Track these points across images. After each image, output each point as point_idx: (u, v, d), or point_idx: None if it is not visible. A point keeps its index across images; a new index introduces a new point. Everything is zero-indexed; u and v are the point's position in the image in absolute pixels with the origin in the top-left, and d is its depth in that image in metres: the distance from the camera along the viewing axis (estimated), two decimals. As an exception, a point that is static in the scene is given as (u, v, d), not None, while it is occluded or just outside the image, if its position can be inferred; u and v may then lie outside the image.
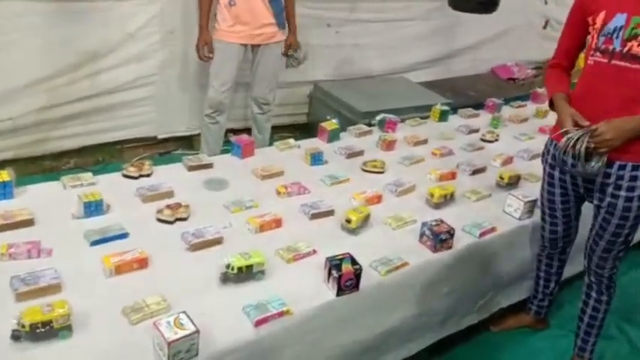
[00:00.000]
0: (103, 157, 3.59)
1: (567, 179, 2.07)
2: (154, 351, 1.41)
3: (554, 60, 2.12)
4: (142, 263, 1.72)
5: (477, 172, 2.69)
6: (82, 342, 1.43)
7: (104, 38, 3.33)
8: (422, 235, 2.05)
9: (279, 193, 2.27)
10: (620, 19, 1.81)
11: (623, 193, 1.91)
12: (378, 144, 2.86)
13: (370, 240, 2.04)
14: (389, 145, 2.84)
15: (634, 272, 2.94)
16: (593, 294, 2.16)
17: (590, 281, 2.16)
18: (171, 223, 1.97)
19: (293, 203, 2.20)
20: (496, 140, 3.11)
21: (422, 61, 4.88)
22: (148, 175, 2.27)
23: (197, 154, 2.76)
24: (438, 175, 2.55)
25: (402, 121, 3.20)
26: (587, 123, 1.85)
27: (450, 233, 2.03)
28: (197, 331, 1.40)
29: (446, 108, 3.38)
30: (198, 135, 3.60)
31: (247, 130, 3.58)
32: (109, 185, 2.14)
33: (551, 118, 2.87)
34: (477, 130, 3.22)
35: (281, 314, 1.60)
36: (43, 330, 1.39)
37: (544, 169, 2.17)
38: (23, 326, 1.37)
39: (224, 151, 3.13)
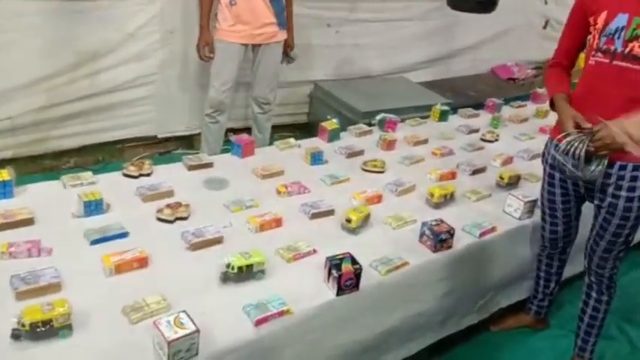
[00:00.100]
0: (103, 156, 3.59)
1: (568, 179, 2.07)
2: (154, 350, 1.41)
3: (554, 59, 2.12)
4: (142, 262, 1.72)
5: (477, 172, 2.69)
6: (82, 341, 1.43)
7: (104, 37, 3.33)
8: (422, 234, 2.05)
9: (279, 192, 2.27)
10: (621, 20, 1.80)
11: (623, 193, 1.91)
12: (379, 144, 2.86)
13: (370, 240, 2.04)
14: (389, 145, 2.84)
15: (634, 272, 2.94)
16: (594, 294, 2.17)
17: (591, 281, 2.16)
18: (171, 222, 1.97)
19: (293, 203, 2.20)
20: (496, 140, 3.11)
21: (422, 61, 4.88)
22: (148, 175, 2.27)
23: (197, 153, 2.76)
24: (438, 175, 2.55)
25: (402, 120, 3.20)
26: (588, 125, 1.84)
27: (450, 233, 2.03)
28: (197, 331, 1.40)
29: (446, 108, 3.38)
30: (199, 134, 3.60)
31: (247, 130, 3.59)
32: (109, 184, 2.14)
33: (552, 118, 2.87)
34: (477, 130, 3.22)
35: (281, 314, 1.60)
36: (43, 329, 1.39)
37: (544, 169, 2.17)
38: (23, 325, 1.37)
39: (224, 151, 3.13)
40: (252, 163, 2.48)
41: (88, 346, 1.42)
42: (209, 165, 2.43)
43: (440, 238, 2.00)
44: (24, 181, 2.10)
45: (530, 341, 2.46)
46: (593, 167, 1.87)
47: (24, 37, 3.08)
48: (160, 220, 1.97)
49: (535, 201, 2.32)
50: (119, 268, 1.67)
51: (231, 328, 1.54)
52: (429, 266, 1.99)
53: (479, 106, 3.68)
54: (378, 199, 2.31)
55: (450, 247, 2.05)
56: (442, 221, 2.05)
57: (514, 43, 5.50)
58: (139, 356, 1.41)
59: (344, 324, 1.78)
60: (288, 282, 1.75)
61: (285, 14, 3.31)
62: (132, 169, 2.25)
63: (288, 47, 3.43)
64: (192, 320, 1.41)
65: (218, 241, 1.88)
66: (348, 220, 2.04)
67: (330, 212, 2.16)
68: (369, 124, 3.15)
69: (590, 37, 1.93)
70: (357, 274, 1.74)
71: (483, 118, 3.45)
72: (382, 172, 2.57)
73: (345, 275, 1.71)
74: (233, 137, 2.66)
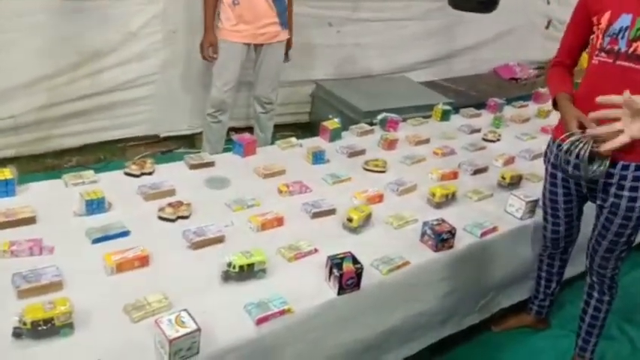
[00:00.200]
0: (104, 155, 3.60)
1: (569, 179, 2.07)
2: (155, 349, 1.41)
3: (556, 58, 2.11)
4: (144, 261, 1.72)
5: (478, 171, 2.69)
6: (84, 340, 1.43)
7: (106, 37, 3.34)
8: (423, 234, 2.05)
9: (280, 191, 2.27)
10: (625, 20, 1.80)
11: (626, 193, 1.90)
12: (380, 143, 2.86)
13: (371, 239, 2.04)
14: (390, 145, 2.84)
15: (636, 272, 2.93)
16: (595, 294, 2.16)
17: (592, 281, 2.16)
18: (172, 221, 1.97)
19: (294, 202, 2.20)
20: (498, 140, 3.11)
21: (424, 60, 4.88)
22: (150, 174, 2.27)
23: (199, 152, 2.76)
24: (440, 175, 2.55)
25: (404, 120, 3.20)
26: (593, 125, 1.84)
27: (452, 233, 2.03)
28: (198, 329, 1.40)
29: (448, 108, 3.38)
30: (200, 133, 3.61)
31: (249, 129, 3.59)
32: (110, 183, 2.15)
33: (553, 118, 2.87)
34: (478, 130, 3.22)
35: (282, 313, 1.60)
36: (44, 327, 1.39)
37: (546, 169, 2.17)
38: (25, 324, 1.37)
39: (226, 150, 3.13)
40: (254, 163, 2.48)
41: (89, 344, 1.42)
42: (211, 164, 2.43)
43: (441, 237, 2.00)
44: (26, 180, 2.10)
45: (531, 341, 2.46)
46: (595, 167, 1.87)
47: (26, 36, 3.09)
48: (161, 218, 1.97)
49: (537, 201, 2.32)
50: (121, 267, 1.67)
51: (232, 326, 1.54)
52: (430, 266, 1.99)
53: (481, 105, 3.68)
54: (380, 198, 2.31)
55: (451, 246, 2.05)
56: (443, 221, 2.05)
57: (516, 42, 5.49)
58: (141, 355, 1.41)
59: (345, 323, 1.78)
60: (290, 281, 1.75)
61: (287, 14, 3.31)
62: (134, 168, 2.26)
63: (287, 47, 3.43)
64: (193, 319, 1.41)
65: (219, 240, 1.89)
66: (350, 220, 2.04)
67: (331, 211, 2.16)
68: (371, 124, 3.15)
69: (593, 36, 1.92)
70: (358, 274, 1.74)
71: (485, 118, 3.45)
72: (383, 171, 2.57)
73: (346, 274, 1.71)
74: (235, 136, 2.67)
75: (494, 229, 2.21)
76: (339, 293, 1.72)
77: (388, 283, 1.86)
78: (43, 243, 1.73)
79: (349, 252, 1.78)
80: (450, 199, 2.33)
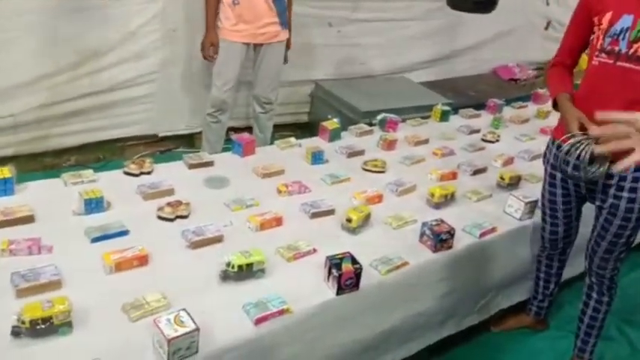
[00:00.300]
0: (103, 154, 3.59)
1: (569, 179, 2.07)
2: (153, 348, 1.41)
3: (557, 58, 2.11)
4: (143, 260, 1.72)
5: (477, 172, 2.69)
6: (82, 339, 1.43)
7: (105, 36, 3.33)
8: (422, 234, 2.05)
9: (279, 191, 2.27)
10: (626, 21, 1.79)
11: (625, 194, 1.90)
12: (379, 143, 2.86)
13: (370, 239, 2.04)
14: (390, 145, 2.84)
15: (635, 273, 2.93)
16: (594, 295, 2.16)
17: (591, 282, 2.16)
18: (171, 220, 1.97)
19: (293, 202, 2.20)
20: (497, 141, 3.11)
21: (423, 60, 4.88)
22: (149, 173, 2.27)
23: (198, 152, 2.76)
24: (439, 175, 2.55)
25: (403, 120, 3.20)
26: (594, 126, 1.84)
27: (451, 233, 2.03)
28: (197, 329, 1.40)
29: (447, 108, 3.38)
30: (199, 133, 3.60)
31: (249, 129, 3.58)
32: (109, 182, 2.15)
33: (552, 119, 2.87)
34: (478, 131, 3.22)
35: (281, 312, 1.60)
36: (43, 326, 1.39)
37: (545, 170, 2.17)
38: (23, 322, 1.37)
39: (225, 150, 3.13)
40: (253, 162, 2.48)
41: (87, 343, 1.41)
42: (210, 164, 2.43)
43: (440, 238, 2.00)
44: (25, 179, 2.10)
45: (530, 342, 2.46)
46: (595, 169, 1.87)
47: (25, 35, 3.08)
48: (160, 218, 1.97)
49: (536, 202, 2.32)
50: (119, 266, 1.67)
51: (231, 326, 1.54)
52: (429, 266, 1.99)
53: (480, 106, 3.68)
54: (379, 198, 2.30)
55: (450, 247, 2.05)
56: (442, 221, 2.05)
57: (516, 43, 5.49)
58: (139, 354, 1.41)
59: (344, 323, 1.78)
60: (288, 281, 1.75)
61: (287, 14, 3.31)
62: (133, 168, 2.26)
63: (286, 47, 3.43)
64: (192, 318, 1.41)
65: (218, 239, 1.89)
66: (349, 220, 2.04)
67: (330, 212, 2.15)
68: (370, 124, 3.15)
69: (593, 37, 1.91)
70: (357, 274, 1.74)
71: (484, 119, 3.45)
72: (383, 171, 2.57)
73: (345, 275, 1.71)
74: (234, 136, 2.67)
75: (494, 229, 2.21)
76: (337, 293, 1.72)
77: (387, 284, 1.86)
78: (42, 242, 1.73)
79: (348, 252, 1.78)
80: (449, 199, 2.33)
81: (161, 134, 3.83)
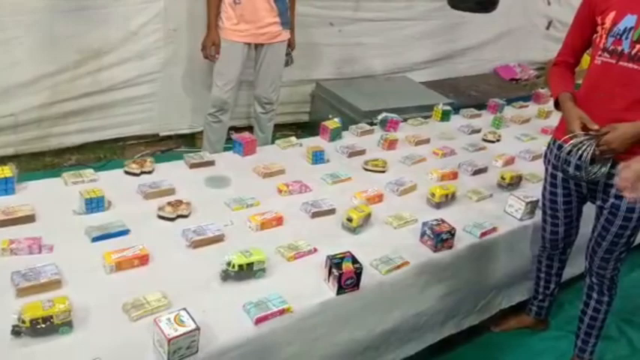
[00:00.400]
0: (104, 154, 3.60)
1: (570, 179, 2.06)
2: (153, 348, 1.41)
3: (559, 57, 2.10)
4: (143, 260, 1.72)
5: (478, 172, 2.69)
6: (83, 338, 1.43)
7: (106, 35, 3.34)
8: (423, 234, 2.05)
9: (280, 191, 2.27)
10: (630, 20, 1.79)
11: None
12: (380, 143, 2.86)
13: (371, 239, 2.04)
14: (390, 145, 2.84)
15: (635, 274, 2.93)
16: (595, 295, 2.16)
17: (592, 282, 2.15)
18: (172, 220, 1.97)
19: (294, 201, 2.20)
20: (498, 141, 3.11)
21: (424, 60, 4.88)
22: (150, 172, 2.27)
23: (199, 151, 2.76)
24: (440, 175, 2.55)
25: (404, 120, 3.20)
26: (596, 127, 1.83)
27: (451, 233, 2.03)
28: (197, 329, 1.40)
29: (448, 108, 3.38)
30: (200, 132, 3.61)
31: (249, 128, 3.59)
32: (110, 182, 2.15)
33: (554, 118, 2.87)
34: (478, 131, 3.22)
35: (281, 312, 1.60)
36: (43, 326, 1.39)
37: (546, 170, 2.17)
38: (24, 322, 1.37)
39: (226, 149, 3.12)
40: (254, 162, 2.48)
41: (88, 343, 1.42)
42: (210, 163, 2.43)
43: (441, 237, 2.00)
44: (25, 178, 2.10)
45: (530, 342, 2.46)
46: (596, 169, 1.87)
47: (26, 34, 3.09)
48: (161, 217, 1.97)
49: (536, 202, 2.31)
50: (120, 266, 1.67)
51: (231, 326, 1.54)
52: (429, 266, 1.99)
53: (481, 106, 3.68)
54: (379, 198, 2.30)
55: (450, 247, 2.05)
56: (443, 221, 2.05)
57: (517, 43, 5.49)
58: (139, 354, 1.41)
59: (344, 323, 1.78)
60: (289, 280, 1.75)
61: (288, 14, 3.31)
62: (133, 167, 2.26)
63: (289, 47, 3.43)
64: (192, 318, 1.41)
65: (219, 239, 1.89)
66: (349, 220, 2.04)
67: (331, 211, 2.15)
68: (371, 124, 3.15)
69: (596, 36, 1.91)
70: (358, 274, 1.74)
71: (485, 119, 3.45)
72: (383, 171, 2.57)
73: (345, 274, 1.71)
74: (235, 135, 2.67)
75: (494, 229, 2.21)
76: (338, 293, 1.72)
77: (387, 283, 1.86)
78: (43, 241, 1.73)
79: (349, 252, 1.78)
80: (449, 199, 2.33)
81: (162, 134, 3.83)
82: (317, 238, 1.95)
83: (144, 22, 3.43)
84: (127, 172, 2.25)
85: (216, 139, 3.42)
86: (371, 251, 1.92)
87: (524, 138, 3.19)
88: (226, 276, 1.70)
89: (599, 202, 2.01)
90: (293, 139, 2.80)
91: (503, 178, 2.56)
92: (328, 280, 1.75)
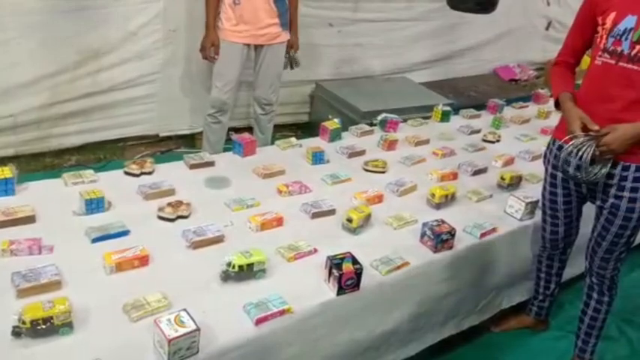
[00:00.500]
0: (104, 154, 3.60)
1: (569, 179, 2.07)
2: (154, 348, 1.41)
3: (560, 57, 2.10)
4: (143, 261, 1.72)
5: (478, 172, 2.69)
6: (83, 339, 1.43)
7: (106, 36, 3.34)
8: (423, 235, 2.05)
9: (280, 191, 2.27)
10: (630, 21, 1.79)
11: (626, 194, 1.90)
12: (380, 144, 2.86)
13: (371, 239, 2.04)
14: (390, 145, 2.84)
15: (635, 274, 2.94)
16: (595, 295, 2.16)
17: (592, 282, 2.15)
18: (172, 220, 1.97)
19: (294, 202, 2.20)
20: (497, 141, 3.11)
21: (424, 61, 4.88)
22: (150, 173, 2.27)
23: (199, 152, 2.76)
24: (440, 176, 2.55)
25: (404, 121, 3.20)
26: (596, 127, 1.84)
27: (451, 233, 2.03)
28: (197, 329, 1.40)
29: (447, 108, 3.38)
30: (200, 133, 3.60)
31: (249, 129, 3.58)
32: (110, 183, 2.15)
33: (553, 119, 2.87)
34: (478, 131, 3.22)
35: (281, 313, 1.60)
36: (43, 326, 1.39)
37: (546, 170, 2.17)
38: (24, 323, 1.37)
39: (226, 150, 3.12)
40: (254, 162, 2.48)
41: (88, 343, 1.41)
42: (210, 164, 2.43)
43: (441, 238, 2.00)
44: (26, 179, 2.10)
45: (530, 342, 2.46)
46: (596, 170, 1.87)
47: (26, 34, 3.08)
48: (161, 218, 1.97)
49: (536, 202, 2.31)
50: (120, 266, 1.67)
51: (231, 326, 1.54)
52: (429, 267, 1.99)
53: (481, 106, 3.68)
54: (379, 199, 2.30)
55: (450, 247, 2.05)
56: (443, 222, 2.05)
57: (516, 44, 5.50)
58: (140, 354, 1.41)
59: (344, 324, 1.78)
60: (289, 281, 1.75)
61: (288, 15, 3.30)
62: (133, 168, 2.26)
63: (292, 48, 3.42)
64: (192, 319, 1.41)
65: (219, 239, 1.88)
66: (349, 220, 2.04)
67: (331, 212, 2.15)
68: (371, 124, 3.15)
69: (597, 36, 1.91)
70: (358, 274, 1.74)
71: (485, 119, 3.45)
72: (383, 172, 2.57)
73: (345, 275, 1.71)
74: (234, 136, 2.67)
75: (494, 230, 2.21)
76: (338, 294, 1.72)
77: (388, 284, 1.86)
78: (43, 242, 1.73)
79: (349, 252, 1.78)
80: (449, 199, 2.33)
81: (162, 134, 3.83)
82: (317, 239, 1.95)
83: (143, 23, 3.43)
84: (126, 173, 2.25)
85: (215, 140, 3.42)
86: (371, 252, 1.92)
87: (523, 138, 3.19)
88: (226, 277, 1.70)
89: (598, 202, 2.01)
90: (293, 139, 2.80)
91: (503, 178, 2.56)
92: (328, 281, 1.75)
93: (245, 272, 1.70)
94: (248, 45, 3.26)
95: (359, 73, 4.49)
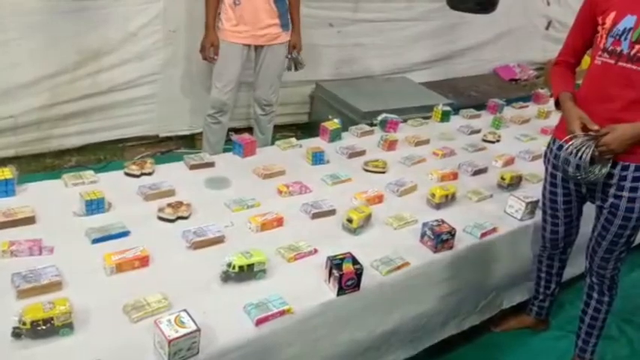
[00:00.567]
0: (104, 155, 3.60)
1: (569, 179, 2.07)
2: (154, 349, 1.41)
3: (560, 57, 2.10)
4: (143, 261, 1.72)
5: (478, 172, 2.69)
6: (83, 340, 1.43)
7: (106, 37, 3.34)
8: (423, 235, 2.05)
9: (280, 192, 2.27)
10: (629, 21, 1.79)
11: (625, 193, 1.90)
12: (380, 144, 2.86)
13: (371, 240, 2.04)
14: (390, 145, 2.84)
15: (635, 274, 2.93)
16: (595, 295, 2.16)
17: (592, 282, 2.16)
18: (172, 221, 1.97)
19: (294, 202, 2.20)
20: (498, 141, 3.11)
21: (423, 61, 4.88)
22: (150, 174, 2.27)
23: (199, 152, 2.76)
24: (440, 176, 2.55)
25: (404, 121, 3.20)
26: (596, 127, 1.84)
27: (451, 233, 2.02)
28: (198, 330, 1.40)
29: (447, 108, 3.38)
30: (200, 134, 3.60)
31: (249, 130, 3.58)
32: (110, 183, 2.15)
33: (553, 119, 2.87)
34: (478, 131, 3.22)
35: (282, 313, 1.60)
36: (43, 327, 1.39)
37: (546, 170, 2.17)
38: (24, 324, 1.37)
39: (226, 150, 3.12)
40: (254, 163, 2.48)
41: (88, 344, 1.42)
42: (210, 164, 2.43)
43: (441, 238, 2.00)
44: (26, 180, 2.10)
45: (531, 342, 2.46)
46: (596, 170, 1.87)
47: (26, 35, 3.09)
48: (161, 219, 1.97)
49: (536, 202, 2.31)
50: (120, 267, 1.67)
51: (231, 327, 1.54)
52: (430, 267, 1.99)
53: (481, 106, 3.68)
54: (379, 199, 2.30)
55: (451, 247, 2.05)
56: (443, 222, 2.05)
57: (516, 43, 5.49)
58: (140, 355, 1.41)
59: (344, 324, 1.78)
60: (289, 281, 1.75)
61: (288, 15, 3.30)
62: (133, 168, 2.26)
63: (294, 49, 3.41)
64: (192, 319, 1.41)
65: (219, 240, 1.89)
66: (349, 220, 2.04)
67: (331, 212, 2.15)
68: (371, 125, 3.15)
69: (597, 36, 1.91)
70: (358, 274, 1.74)
71: (485, 119, 3.45)
72: (383, 172, 2.57)
73: (346, 275, 1.71)
74: (234, 137, 2.67)
75: (494, 229, 2.21)
76: (338, 294, 1.72)
77: (388, 284, 1.86)
78: (43, 243, 1.73)
79: (349, 253, 1.78)
80: (449, 199, 2.33)
81: (162, 135, 3.83)
82: (317, 239, 1.95)
83: (143, 24, 3.43)
84: (127, 174, 2.25)
85: (215, 141, 3.41)
86: (371, 252, 1.92)
87: (523, 138, 3.19)
88: (227, 277, 1.70)
89: (598, 202, 2.01)
90: (293, 140, 2.80)
91: (503, 178, 2.56)
92: (329, 281, 1.75)
93: (245, 273, 1.70)
94: (248, 45, 3.26)
95: (359, 74, 4.49)
